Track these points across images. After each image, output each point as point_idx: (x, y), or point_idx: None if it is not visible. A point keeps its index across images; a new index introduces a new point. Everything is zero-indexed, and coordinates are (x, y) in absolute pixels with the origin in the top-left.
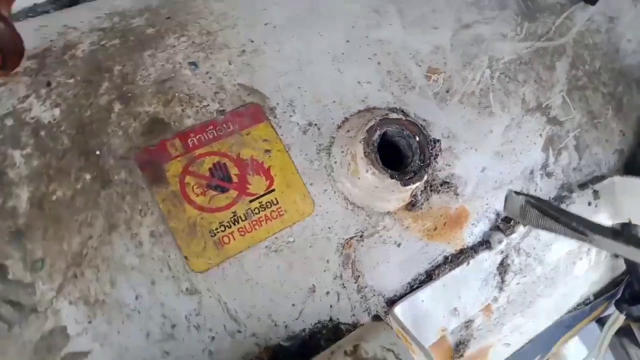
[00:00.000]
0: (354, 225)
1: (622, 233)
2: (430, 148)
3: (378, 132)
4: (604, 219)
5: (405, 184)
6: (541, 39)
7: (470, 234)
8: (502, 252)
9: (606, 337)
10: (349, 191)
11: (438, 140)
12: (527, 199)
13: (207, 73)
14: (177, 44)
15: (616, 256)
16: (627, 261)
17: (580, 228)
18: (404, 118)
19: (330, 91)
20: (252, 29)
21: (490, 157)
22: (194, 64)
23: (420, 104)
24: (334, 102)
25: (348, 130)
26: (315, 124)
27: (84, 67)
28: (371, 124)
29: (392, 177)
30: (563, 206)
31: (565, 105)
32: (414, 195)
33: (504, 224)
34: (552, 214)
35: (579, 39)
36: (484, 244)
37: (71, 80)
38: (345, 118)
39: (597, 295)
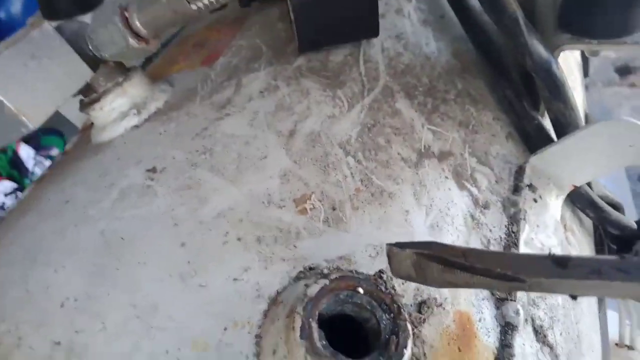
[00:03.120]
0: None
1: (566, 262)
2: (384, 288)
3: (315, 330)
4: (559, 203)
5: None
6: (364, 96)
7: (487, 333)
8: (526, 320)
9: None
10: None
11: (380, 272)
12: (417, 252)
13: None
14: None
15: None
16: (590, 216)
17: (509, 273)
18: (326, 282)
19: (211, 323)
20: (46, 329)
21: (430, 236)
22: None
23: (321, 246)
24: (225, 329)
25: (274, 352)
26: None
27: None
28: (298, 323)
29: None
30: (522, 223)
31: (438, 134)
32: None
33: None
34: (458, 262)
35: (392, 71)
36: (508, 330)
37: None
38: (257, 337)
39: None
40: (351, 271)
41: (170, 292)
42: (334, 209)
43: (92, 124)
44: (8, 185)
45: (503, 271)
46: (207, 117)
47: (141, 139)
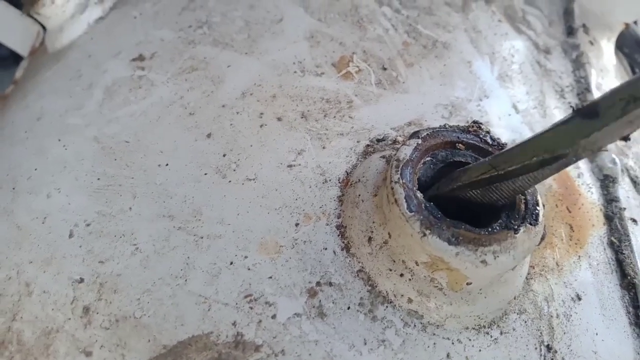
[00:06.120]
0: (523, 339)
1: (595, 108)
2: (490, 140)
3: (422, 199)
4: (611, 46)
5: (535, 220)
6: None
7: (589, 189)
8: (622, 170)
9: None
10: (468, 313)
11: (476, 122)
12: (452, 188)
13: None
14: None
15: None
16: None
17: (546, 156)
18: (418, 141)
19: (275, 220)
20: (58, 267)
21: (501, 87)
22: None
23: (382, 113)
24: (297, 224)
25: (370, 239)
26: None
27: None
28: (400, 194)
29: (515, 230)
30: (588, 67)
31: None
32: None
33: None
34: (493, 177)
35: None
36: (608, 183)
37: None
38: (339, 228)
39: None
40: (443, 126)
41: (211, 192)
42: (384, 68)
43: (44, 31)
44: None
45: (539, 157)
46: None
47: (112, 29)
